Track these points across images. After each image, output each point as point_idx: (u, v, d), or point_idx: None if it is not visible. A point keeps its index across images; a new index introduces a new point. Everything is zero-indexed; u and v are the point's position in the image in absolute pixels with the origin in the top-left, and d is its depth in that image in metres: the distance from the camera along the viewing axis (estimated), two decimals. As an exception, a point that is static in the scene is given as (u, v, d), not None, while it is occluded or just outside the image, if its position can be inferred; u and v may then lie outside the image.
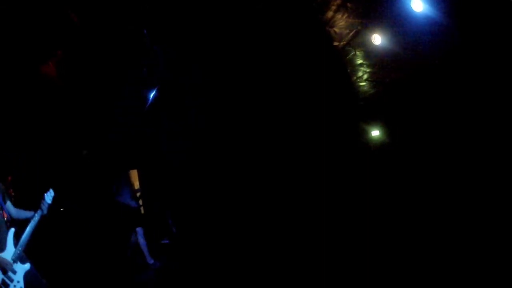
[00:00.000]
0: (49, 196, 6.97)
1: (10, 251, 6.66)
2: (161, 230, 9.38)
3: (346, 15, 9.32)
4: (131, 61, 8.02)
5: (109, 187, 8.77)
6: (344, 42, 9.62)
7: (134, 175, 9.49)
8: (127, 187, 9.29)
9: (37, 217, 6.86)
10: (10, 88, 7.18)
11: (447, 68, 8.95)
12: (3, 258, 6.57)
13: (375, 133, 9.79)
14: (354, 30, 9.47)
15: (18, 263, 6.73)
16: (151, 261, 9.57)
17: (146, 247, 9.48)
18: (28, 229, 6.76)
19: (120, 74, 7.94)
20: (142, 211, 9.13)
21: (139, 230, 9.51)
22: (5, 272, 6.58)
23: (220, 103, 6.97)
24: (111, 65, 7.93)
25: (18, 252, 6.71)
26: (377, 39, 9.37)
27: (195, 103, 7.02)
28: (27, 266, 6.79)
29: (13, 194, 7.95)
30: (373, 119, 9.77)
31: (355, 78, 9.80)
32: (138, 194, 9.59)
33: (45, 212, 6.91)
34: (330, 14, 9.34)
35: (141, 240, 9.48)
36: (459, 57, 8.84)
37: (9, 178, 7.86)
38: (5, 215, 7.00)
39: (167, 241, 9.16)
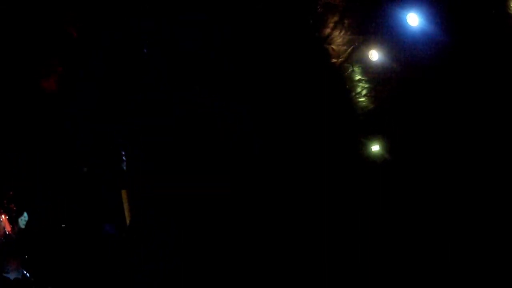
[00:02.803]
0: (22, 221, 7.01)
1: None
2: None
3: (343, 31, 9.48)
4: (129, 78, 8.12)
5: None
6: (342, 59, 9.73)
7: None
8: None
9: None
10: (10, 98, 7.27)
11: (444, 81, 9.05)
12: None
13: (376, 148, 9.80)
14: (352, 47, 9.60)
15: None
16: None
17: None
18: None
19: (117, 90, 8.03)
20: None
21: None
22: None
23: (217, 109, 7.04)
24: (109, 80, 8.02)
25: None
26: (374, 54, 9.53)
27: (191, 113, 7.08)
28: None
29: (15, 209, 7.92)
30: (373, 134, 9.79)
31: (354, 94, 9.88)
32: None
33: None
34: (327, 31, 9.50)
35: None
36: (456, 70, 8.95)
37: (11, 193, 7.85)
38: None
39: None
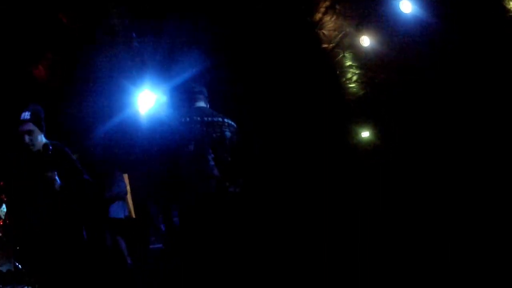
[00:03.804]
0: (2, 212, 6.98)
1: None
2: (153, 234, 9.27)
3: (334, 17, 9.37)
4: (120, 63, 7.99)
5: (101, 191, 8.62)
6: (333, 44, 9.69)
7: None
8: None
9: None
10: (10, 96, 7.12)
11: (436, 68, 9.06)
12: None
13: (365, 134, 9.87)
14: (343, 32, 9.55)
15: None
16: (130, 262, 9.33)
17: (125, 248, 9.23)
18: None
19: (108, 76, 7.91)
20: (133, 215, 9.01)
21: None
22: None
23: (214, 102, 6.95)
24: (100, 67, 7.89)
25: None
26: (365, 40, 9.48)
27: (188, 107, 6.99)
28: None
29: (5, 199, 7.77)
30: (363, 120, 9.83)
31: (344, 79, 9.87)
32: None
33: None
34: (318, 16, 9.38)
35: (122, 242, 9.24)
36: (448, 57, 8.96)
37: (1, 183, 7.70)
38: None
39: (160, 246, 9.06)
